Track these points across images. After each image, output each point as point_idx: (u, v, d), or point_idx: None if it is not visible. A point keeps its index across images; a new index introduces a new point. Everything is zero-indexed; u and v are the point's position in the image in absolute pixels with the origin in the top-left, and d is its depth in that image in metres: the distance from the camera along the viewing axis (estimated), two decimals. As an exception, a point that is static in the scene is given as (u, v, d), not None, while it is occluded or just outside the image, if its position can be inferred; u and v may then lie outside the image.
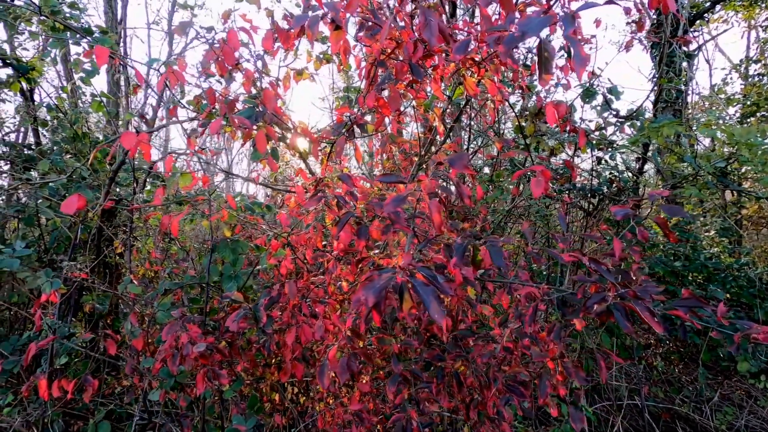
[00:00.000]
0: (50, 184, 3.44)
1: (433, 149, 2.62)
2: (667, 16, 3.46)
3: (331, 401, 2.87)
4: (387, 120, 2.03)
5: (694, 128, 3.85)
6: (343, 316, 1.84)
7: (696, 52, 6.40)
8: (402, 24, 1.48)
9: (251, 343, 2.42)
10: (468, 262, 1.16)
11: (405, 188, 1.35)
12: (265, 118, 1.98)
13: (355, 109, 2.06)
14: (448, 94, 2.09)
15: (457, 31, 1.46)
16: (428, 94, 3.01)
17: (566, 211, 3.94)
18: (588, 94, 3.33)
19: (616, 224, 3.76)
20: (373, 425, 1.96)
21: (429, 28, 1.06)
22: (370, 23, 1.37)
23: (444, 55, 1.47)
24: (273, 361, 2.67)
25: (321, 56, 2.38)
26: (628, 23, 3.18)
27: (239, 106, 2.14)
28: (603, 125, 3.40)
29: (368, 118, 2.16)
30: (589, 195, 3.97)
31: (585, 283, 1.21)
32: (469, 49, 1.35)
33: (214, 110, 2.16)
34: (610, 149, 3.20)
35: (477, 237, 1.30)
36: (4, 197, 4.21)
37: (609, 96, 3.32)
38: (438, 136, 2.38)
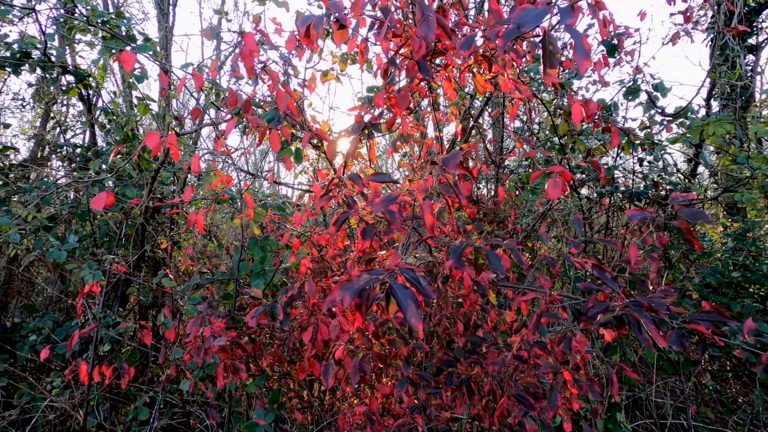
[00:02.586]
0: (101, 182, 3.68)
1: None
2: (720, 4, 3.19)
3: (355, 401, 2.88)
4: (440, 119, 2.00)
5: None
6: (353, 316, 1.83)
7: (763, 44, 5.87)
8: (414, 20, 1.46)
9: (274, 339, 2.48)
10: (463, 265, 1.12)
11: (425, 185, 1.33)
12: (287, 119, 2.02)
13: (376, 110, 2.06)
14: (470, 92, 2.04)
15: (467, 28, 1.41)
16: (460, 92, 2.95)
17: (607, 214, 3.73)
18: (631, 92, 3.14)
19: (663, 230, 3.50)
20: (386, 428, 1.94)
21: (426, 23, 1.03)
22: (378, 21, 1.36)
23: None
24: (296, 357, 2.72)
25: (345, 57, 2.40)
26: (672, 14, 2.95)
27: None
28: (648, 124, 3.19)
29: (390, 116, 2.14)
30: (634, 198, 3.74)
31: (595, 291, 1.12)
32: (478, 45, 1.31)
33: (242, 112, 2.23)
34: (652, 149, 2.99)
35: (490, 237, 1.25)
36: (66, 195, 4.56)
37: (654, 93, 3.11)
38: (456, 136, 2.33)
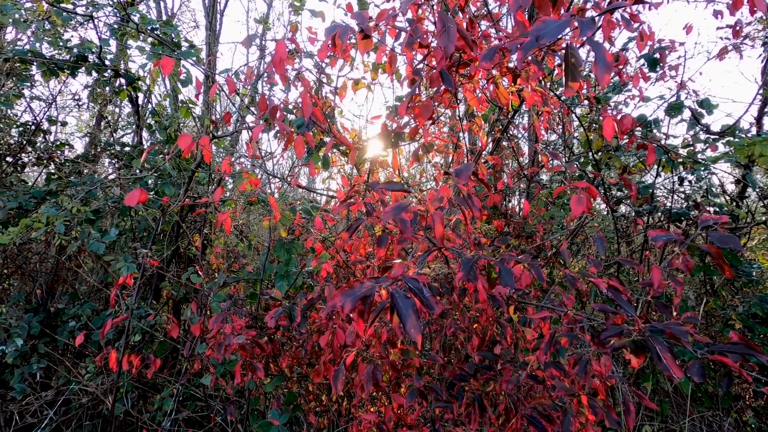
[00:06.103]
0: (143, 179, 3.87)
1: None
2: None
3: (372, 408, 2.87)
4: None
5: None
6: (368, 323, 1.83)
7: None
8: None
9: (292, 340, 2.51)
10: (475, 277, 1.10)
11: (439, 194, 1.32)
12: (315, 126, 2.06)
13: (402, 120, 2.07)
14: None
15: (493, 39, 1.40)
16: (490, 104, 2.92)
17: (645, 233, 3.57)
18: (673, 108, 3.00)
19: (703, 254, 3.32)
20: (396, 438, 1.92)
21: (446, 34, 1.03)
22: (403, 32, 1.37)
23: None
24: (314, 360, 2.74)
25: (377, 66, 2.43)
26: (719, 29, 2.81)
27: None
28: (690, 142, 3.04)
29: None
30: (674, 219, 3.57)
31: (611, 313, 1.08)
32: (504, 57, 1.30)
33: (269, 118, 2.30)
34: (694, 169, 2.84)
35: (515, 251, 1.23)
36: (111, 191, 4.82)
37: (699, 110, 2.97)
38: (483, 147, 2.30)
